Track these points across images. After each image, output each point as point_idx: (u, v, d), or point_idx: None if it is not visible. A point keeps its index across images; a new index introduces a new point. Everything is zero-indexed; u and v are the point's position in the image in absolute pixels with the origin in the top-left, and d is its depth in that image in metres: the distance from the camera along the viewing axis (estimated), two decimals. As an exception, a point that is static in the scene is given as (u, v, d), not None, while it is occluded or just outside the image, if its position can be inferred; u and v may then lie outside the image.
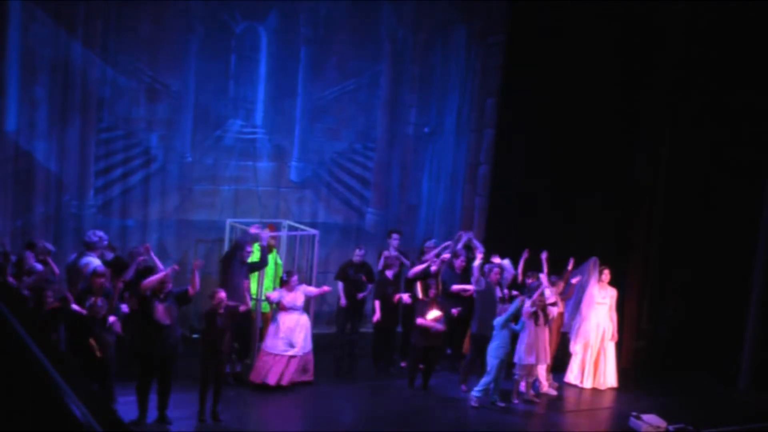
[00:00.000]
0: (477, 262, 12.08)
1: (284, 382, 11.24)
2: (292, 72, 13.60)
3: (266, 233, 11.78)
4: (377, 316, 12.29)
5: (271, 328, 11.38)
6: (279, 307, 11.39)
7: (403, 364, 12.29)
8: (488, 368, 11.25)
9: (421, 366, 11.84)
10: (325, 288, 12.02)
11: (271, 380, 11.18)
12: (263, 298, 11.86)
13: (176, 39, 12.73)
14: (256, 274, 11.76)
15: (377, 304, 12.27)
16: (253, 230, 11.72)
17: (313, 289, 11.79)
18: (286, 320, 11.32)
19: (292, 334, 11.30)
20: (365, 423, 10.73)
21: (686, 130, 13.73)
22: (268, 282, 12.09)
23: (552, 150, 14.13)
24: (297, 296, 11.42)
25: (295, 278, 11.47)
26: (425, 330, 11.54)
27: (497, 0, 14.57)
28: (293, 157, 13.84)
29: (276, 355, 11.24)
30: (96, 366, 9.42)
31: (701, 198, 13.74)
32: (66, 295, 9.90)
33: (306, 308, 11.63)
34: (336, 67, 13.86)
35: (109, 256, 11.10)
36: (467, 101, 14.72)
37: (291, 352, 11.27)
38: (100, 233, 11.15)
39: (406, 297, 12.22)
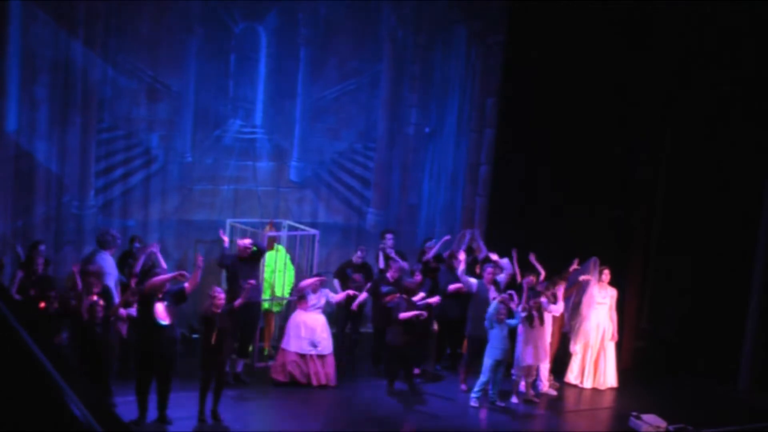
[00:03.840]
0: (461, 267, 12.02)
1: (321, 381, 11.45)
2: (292, 72, 13.61)
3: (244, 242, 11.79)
4: (356, 303, 12.24)
5: (292, 328, 11.47)
6: (299, 305, 11.47)
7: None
8: (483, 368, 11.28)
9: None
10: (350, 291, 12.09)
11: (317, 381, 11.43)
12: (261, 298, 11.91)
13: (176, 39, 12.74)
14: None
15: (364, 295, 12.24)
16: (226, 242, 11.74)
17: (335, 296, 11.88)
18: (307, 320, 11.47)
19: (314, 334, 11.45)
20: (365, 423, 10.73)
21: (687, 129, 13.74)
22: (267, 282, 12.11)
23: (552, 150, 14.15)
24: (320, 298, 11.58)
25: (324, 281, 11.66)
26: (403, 328, 11.50)
27: (497, 0, 14.58)
28: (293, 157, 13.84)
29: (303, 354, 11.41)
30: (95, 366, 9.42)
31: (701, 198, 13.74)
32: (64, 296, 9.92)
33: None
34: (336, 67, 13.86)
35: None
36: (467, 101, 14.73)
37: (315, 352, 11.43)
38: (113, 231, 11.21)
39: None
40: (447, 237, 13.14)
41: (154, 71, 12.67)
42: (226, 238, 11.91)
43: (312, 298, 11.55)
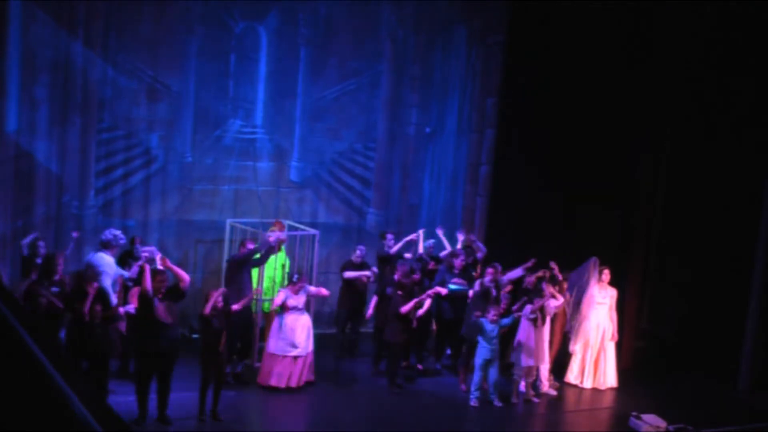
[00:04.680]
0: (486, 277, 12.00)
1: (292, 383, 11.27)
2: (292, 72, 13.61)
3: (279, 234, 11.75)
4: (370, 311, 12.27)
5: (274, 329, 11.39)
6: (282, 308, 11.40)
7: (402, 364, 12.26)
8: (474, 368, 11.30)
9: (404, 363, 11.88)
10: (323, 291, 11.95)
11: (276, 382, 11.21)
12: (263, 297, 11.89)
13: (176, 39, 12.74)
14: (256, 274, 11.75)
15: (374, 300, 12.23)
16: (272, 239, 11.55)
17: (313, 288, 11.76)
18: (287, 321, 11.32)
19: (293, 335, 11.29)
20: (365, 423, 10.73)
21: (687, 129, 13.74)
22: (267, 282, 12.10)
23: (552, 150, 14.15)
24: (300, 298, 11.43)
25: (304, 281, 11.50)
26: (401, 326, 11.48)
27: (497, 0, 14.59)
28: (293, 157, 13.84)
29: (280, 356, 11.27)
30: (94, 366, 9.43)
31: (701, 198, 13.74)
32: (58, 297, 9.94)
33: (306, 308, 11.64)
34: (336, 67, 13.86)
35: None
36: (467, 101, 14.73)
37: (294, 353, 11.28)
38: (116, 232, 11.17)
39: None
40: (413, 235, 13.04)
41: (154, 71, 12.66)
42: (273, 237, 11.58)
43: (290, 301, 11.34)
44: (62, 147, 12.19)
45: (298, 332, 11.31)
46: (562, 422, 11.56)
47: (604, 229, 13.85)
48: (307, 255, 12.58)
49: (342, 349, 12.81)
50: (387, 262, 12.61)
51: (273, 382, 11.21)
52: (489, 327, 11.16)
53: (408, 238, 12.82)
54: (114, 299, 10.48)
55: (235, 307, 10.48)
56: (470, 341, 11.66)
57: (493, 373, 11.28)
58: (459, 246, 13.05)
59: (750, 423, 11.59)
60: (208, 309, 9.93)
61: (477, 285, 11.88)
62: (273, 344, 11.30)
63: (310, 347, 11.45)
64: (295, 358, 11.30)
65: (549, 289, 11.87)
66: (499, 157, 14.75)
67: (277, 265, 12.24)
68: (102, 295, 9.92)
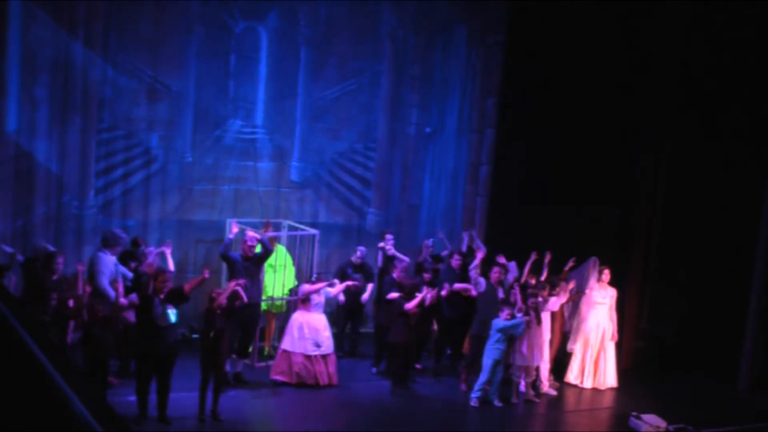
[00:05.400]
0: (475, 263, 12.06)
1: (325, 380, 11.45)
2: (293, 72, 13.62)
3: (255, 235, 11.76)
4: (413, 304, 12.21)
5: (293, 329, 11.42)
6: (303, 305, 11.46)
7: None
8: (483, 368, 11.28)
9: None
10: (349, 282, 12.15)
11: (305, 381, 11.35)
12: (263, 297, 11.92)
13: (176, 39, 12.75)
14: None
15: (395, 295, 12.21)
16: (232, 233, 11.53)
17: (332, 289, 11.86)
18: (310, 321, 11.44)
19: (317, 335, 11.42)
20: (365, 423, 10.72)
21: (687, 129, 13.74)
22: (268, 279, 12.10)
23: (552, 150, 14.15)
24: (321, 296, 11.59)
25: (323, 281, 11.64)
26: (405, 327, 11.49)
27: (497, 0, 14.59)
28: (294, 157, 13.85)
29: (307, 356, 11.37)
30: (94, 366, 9.43)
31: (701, 198, 13.74)
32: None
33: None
34: (336, 67, 13.87)
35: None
36: (468, 101, 14.73)
37: (318, 352, 11.42)
38: (118, 231, 11.20)
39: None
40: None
41: (154, 71, 12.67)
42: (235, 230, 11.64)
43: (314, 298, 11.53)
44: (62, 147, 12.20)
45: (321, 331, 11.47)
46: (562, 422, 11.56)
47: (604, 229, 13.85)
48: (307, 255, 12.58)
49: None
50: (383, 269, 12.64)
51: (310, 382, 11.33)
52: (509, 326, 11.16)
53: (393, 252, 12.72)
54: (112, 294, 10.47)
55: (236, 303, 10.45)
56: (481, 340, 11.57)
57: (499, 373, 11.29)
58: (464, 246, 13.05)
59: (750, 423, 11.59)
60: (223, 299, 9.95)
61: (482, 284, 11.87)
62: (300, 345, 11.36)
63: (332, 347, 11.63)
64: (323, 356, 11.44)
65: (543, 289, 11.87)
66: (499, 157, 14.75)
67: (276, 267, 12.23)
68: (97, 294, 9.92)
